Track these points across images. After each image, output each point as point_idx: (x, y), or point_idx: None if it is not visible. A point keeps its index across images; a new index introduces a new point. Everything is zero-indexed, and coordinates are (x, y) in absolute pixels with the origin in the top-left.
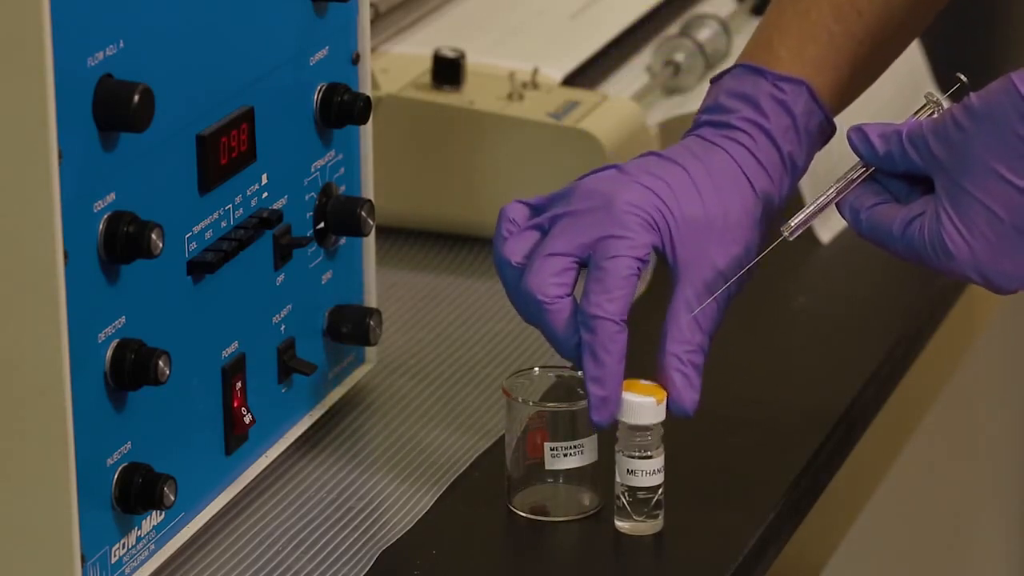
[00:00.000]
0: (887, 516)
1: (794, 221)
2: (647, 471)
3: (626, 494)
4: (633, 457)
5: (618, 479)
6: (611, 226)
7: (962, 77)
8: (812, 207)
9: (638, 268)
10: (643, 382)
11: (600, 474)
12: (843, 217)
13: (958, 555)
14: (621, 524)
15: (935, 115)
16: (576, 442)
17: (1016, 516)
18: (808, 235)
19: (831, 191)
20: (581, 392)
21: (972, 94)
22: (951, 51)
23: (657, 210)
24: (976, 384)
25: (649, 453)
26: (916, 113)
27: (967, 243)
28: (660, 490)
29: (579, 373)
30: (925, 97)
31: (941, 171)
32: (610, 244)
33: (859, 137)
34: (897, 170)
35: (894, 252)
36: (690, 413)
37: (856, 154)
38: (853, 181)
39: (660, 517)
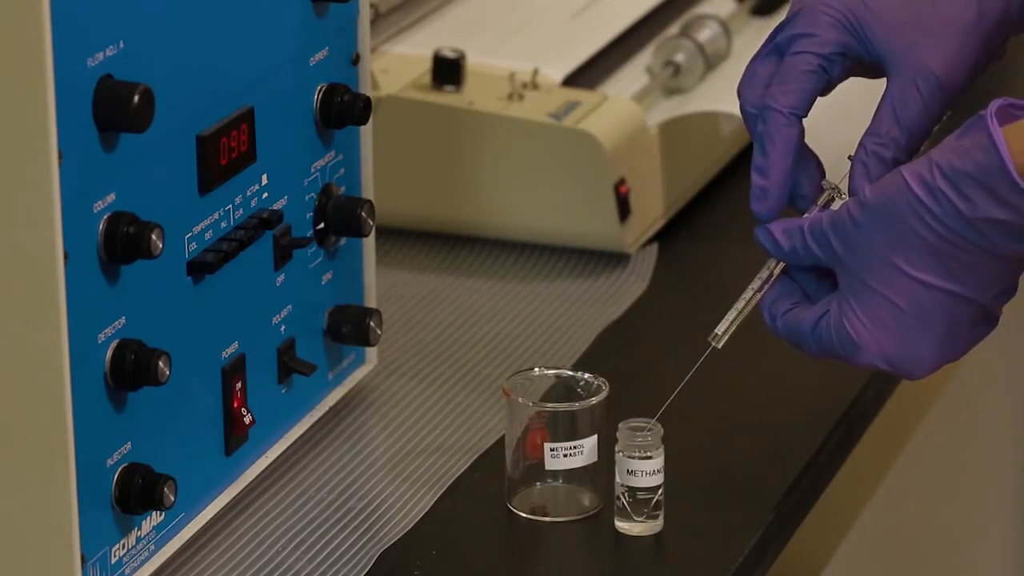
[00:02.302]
0: (887, 516)
1: (720, 329)
2: (647, 471)
3: (626, 494)
4: (633, 457)
5: (618, 479)
6: (802, 25)
7: (849, 157)
8: (734, 313)
9: (819, 65)
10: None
11: (600, 474)
12: (763, 317)
13: (958, 555)
14: (621, 524)
15: (835, 201)
16: (576, 442)
17: (1016, 516)
18: None
19: (749, 293)
20: (581, 392)
21: (867, 187)
22: None
23: (850, 10)
24: (976, 384)
25: (649, 453)
26: (818, 201)
27: (871, 334)
28: (660, 490)
29: (578, 374)
30: (823, 184)
31: (842, 266)
32: (796, 42)
33: (764, 235)
34: (803, 264)
35: (809, 352)
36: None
37: (764, 251)
38: (767, 280)
39: (660, 517)
